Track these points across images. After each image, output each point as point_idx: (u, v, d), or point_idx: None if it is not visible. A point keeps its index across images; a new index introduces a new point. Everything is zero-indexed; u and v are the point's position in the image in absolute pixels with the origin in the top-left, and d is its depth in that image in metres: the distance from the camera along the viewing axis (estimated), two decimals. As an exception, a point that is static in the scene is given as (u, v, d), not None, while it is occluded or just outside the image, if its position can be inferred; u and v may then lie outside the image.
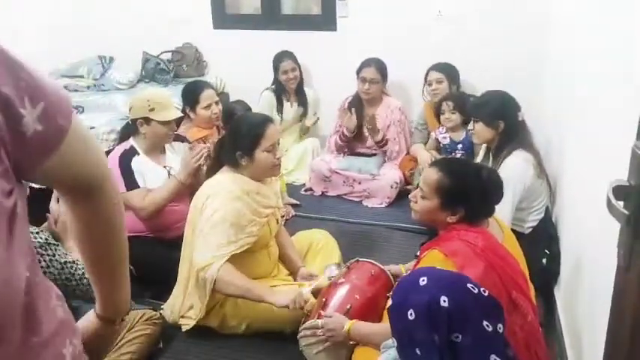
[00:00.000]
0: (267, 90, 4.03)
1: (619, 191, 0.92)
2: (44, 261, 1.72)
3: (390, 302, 1.31)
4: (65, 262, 1.79)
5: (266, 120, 2.36)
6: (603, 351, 1.12)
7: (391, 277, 2.30)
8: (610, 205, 0.92)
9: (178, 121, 2.92)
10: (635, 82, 1.49)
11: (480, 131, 2.64)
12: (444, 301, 1.17)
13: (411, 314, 1.20)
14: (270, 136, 2.29)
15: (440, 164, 1.90)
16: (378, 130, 3.60)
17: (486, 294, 1.24)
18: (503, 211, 2.16)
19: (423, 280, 1.24)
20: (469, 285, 1.24)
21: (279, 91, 4.02)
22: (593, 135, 2.02)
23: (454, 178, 1.81)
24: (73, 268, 1.81)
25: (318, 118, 4.12)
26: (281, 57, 3.94)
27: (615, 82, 1.74)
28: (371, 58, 3.70)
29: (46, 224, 2.00)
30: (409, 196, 2.02)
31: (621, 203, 0.91)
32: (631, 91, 1.52)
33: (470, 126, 2.71)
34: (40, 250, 1.71)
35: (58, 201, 1.95)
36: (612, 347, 1.06)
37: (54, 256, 1.75)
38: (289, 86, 3.99)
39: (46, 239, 1.76)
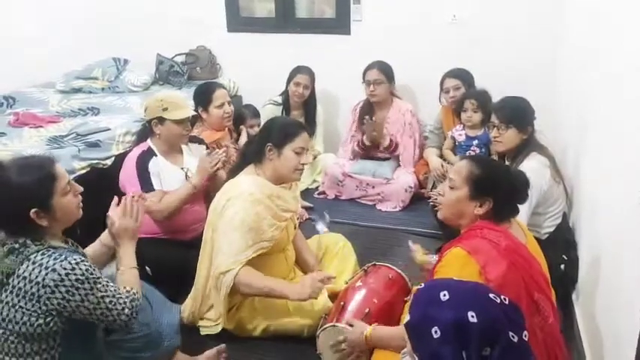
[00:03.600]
0: (271, 104, 3.93)
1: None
2: (79, 294, 1.60)
3: (407, 317, 1.24)
4: (103, 297, 1.66)
5: (303, 125, 2.43)
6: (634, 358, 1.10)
7: (408, 281, 2.31)
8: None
9: (192, 123, 2.92)
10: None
11: (511, 137, 2.59)
12: (472, 316, 1.12)
13: (435, 332, 1.14)
14: (304, 140, 2.31)
15: (471, 158, 1.93)
16: (383, 135, 3.61)
17: (507, 301, 1.21)
18: (519, 215, 2.14)
19: (445, 295, 1.18)
20: (491, 295, 1.20)
21: (286, 103, 3.92)
22: (615, 140, 2.00)
23: (485, 168, 1.84)
24: (112, 303, 1.68)
25: (319, 152, 4.01)
26: (300, 69, 3.85)
27: (637, 84, 1.73)
28: (374, 61, 3.69)
29: (92, 246, 1.99)
30: (437, 190, 2.02)
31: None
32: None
33: (494, 133, 2.65)
34: (75, 283, 1.59)
35: (118, 203, 1.93)
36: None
37: (91, 290, 1.62)
38: (294, 100, 3.89)
39: (85, 271, 1.62)
